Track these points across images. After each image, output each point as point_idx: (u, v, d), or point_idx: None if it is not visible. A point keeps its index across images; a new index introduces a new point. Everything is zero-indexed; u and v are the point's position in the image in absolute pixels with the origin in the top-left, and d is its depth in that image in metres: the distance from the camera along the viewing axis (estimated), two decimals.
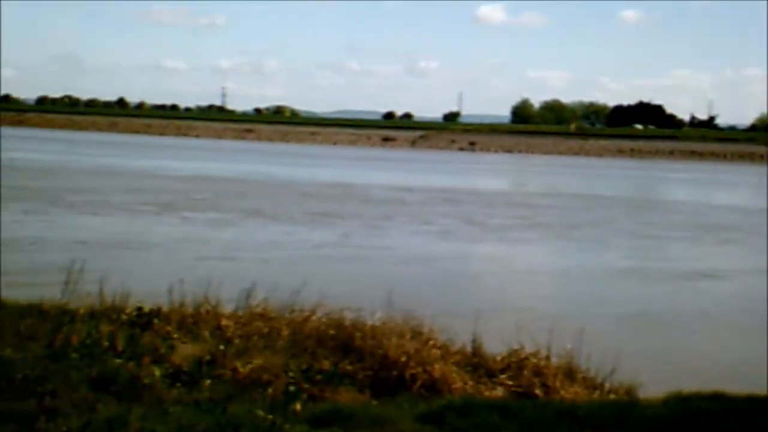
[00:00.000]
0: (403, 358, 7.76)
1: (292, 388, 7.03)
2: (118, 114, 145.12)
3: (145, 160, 51.53)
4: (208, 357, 7.58)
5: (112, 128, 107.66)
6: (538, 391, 7.87)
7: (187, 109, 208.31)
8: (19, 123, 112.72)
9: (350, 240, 21.82)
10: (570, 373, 8.34)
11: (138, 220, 23.56)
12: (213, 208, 27.30)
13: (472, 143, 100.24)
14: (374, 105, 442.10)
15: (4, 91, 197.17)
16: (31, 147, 58.84)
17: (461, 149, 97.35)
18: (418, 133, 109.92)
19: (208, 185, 36.15)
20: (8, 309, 8.36)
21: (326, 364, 7.69)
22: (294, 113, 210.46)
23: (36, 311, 8.35)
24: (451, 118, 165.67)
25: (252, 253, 18.66)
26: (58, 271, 9.41)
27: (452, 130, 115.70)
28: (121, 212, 24.88)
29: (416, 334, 8.44)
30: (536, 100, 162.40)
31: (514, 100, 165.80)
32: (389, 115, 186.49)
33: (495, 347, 8.76)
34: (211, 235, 21.47)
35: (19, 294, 9.52)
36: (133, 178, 37.73)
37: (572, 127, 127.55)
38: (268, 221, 24.88)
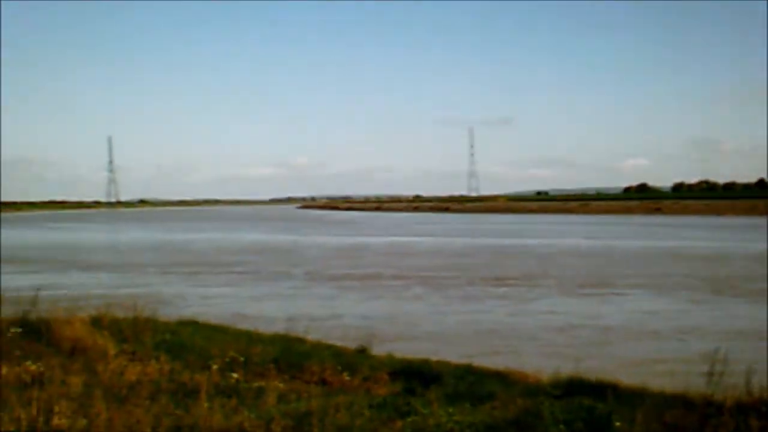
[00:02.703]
0: None
1: None
2: (756, 196, 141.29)
3: None
4: None
5: (751, 212, 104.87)
6: None
7: None
8: (656, 210, 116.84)
9: None
10: None
11: None
12: None
13: None
14: None
15: (641, 180, 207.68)
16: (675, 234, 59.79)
17: None
18: None
19: None
20: (653, 398, 8.40)
21: None
22: None
23: (680, 401, 8.22)
24: None
25: None
26: (702, 360, 9.14)
27: None
28: None
29: None
30: None
31: None
32: None
33: None
34: None
35: (663, 383, 9.54)
36: None
37: None
38: None
